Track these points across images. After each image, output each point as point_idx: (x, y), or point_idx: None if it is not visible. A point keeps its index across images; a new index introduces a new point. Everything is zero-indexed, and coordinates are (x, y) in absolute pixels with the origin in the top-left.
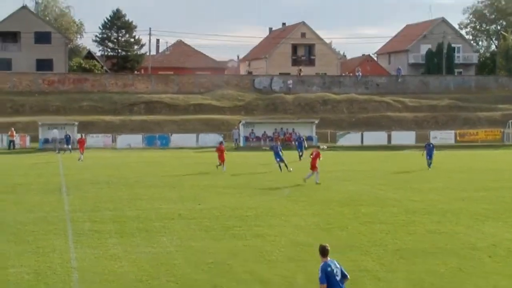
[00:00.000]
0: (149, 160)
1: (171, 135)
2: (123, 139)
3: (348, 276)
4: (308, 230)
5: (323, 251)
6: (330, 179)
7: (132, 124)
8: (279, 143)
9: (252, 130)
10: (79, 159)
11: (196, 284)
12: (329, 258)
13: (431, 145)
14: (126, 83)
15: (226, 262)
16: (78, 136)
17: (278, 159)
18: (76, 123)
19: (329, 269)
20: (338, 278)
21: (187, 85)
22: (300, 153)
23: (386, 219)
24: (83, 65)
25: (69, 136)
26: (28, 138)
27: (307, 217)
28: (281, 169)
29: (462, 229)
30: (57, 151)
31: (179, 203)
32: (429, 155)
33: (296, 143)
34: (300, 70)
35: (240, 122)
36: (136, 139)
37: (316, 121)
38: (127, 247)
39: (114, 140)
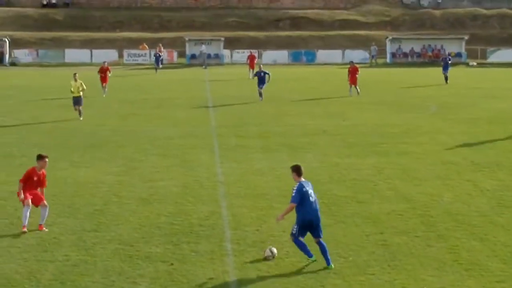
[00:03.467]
0: (295, 76)
1: (317, 51)
2: (269, 55)
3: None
4: (456, 148)
5: (298, 171)
6: (478, 97)
7: (278, 40)
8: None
9: (399, 46)
10: (251, 77)
11: (340, 200)
12: (303, 179)
13: None
14: None
15: (370, 179)
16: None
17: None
18: (223, 39)
19: (304, 189)
20: (312, 199)
21: (333, 0)
22: (446, 74)
23: None
24: None
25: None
26: (175, 54)
27: (454, 135)
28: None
29: None
30: (204, 67)
31: (324, 119)
32: None
33: (442, 62)
34: None
35: (387, 38)
36: (282, 55)
37: (466, 37)
38: (272, 162)
39: (259, 56)
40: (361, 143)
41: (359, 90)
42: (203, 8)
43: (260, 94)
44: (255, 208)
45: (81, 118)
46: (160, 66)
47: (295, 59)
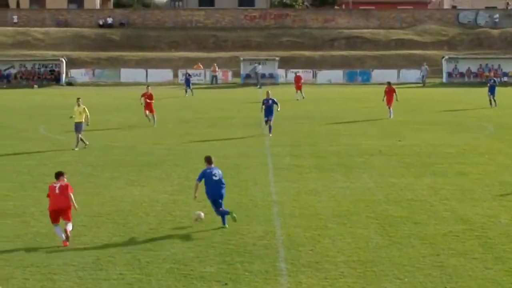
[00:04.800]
0: (349, 96)
1: (372, 70)
2: (324, 75)
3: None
4: None
5: (209, 160)
6: None
7: (333, 59)
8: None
9: (456, 66)
10: (298, 99)
11: (396, 220)
12: (213, 166)
13: None
14: (326, 18)
15: (426, 199)
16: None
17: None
18: (277, 59)
19: (208, 171)
20: (216, 178)
21: (389, 20)
22: (492, 98)
23: None
24: (284, 0)
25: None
26: (230, 73)
27: None
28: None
29: None
30: (259, 86)
31: (379, 139)
32: None
33: (488, 85)
34: (508, 3)
35: (443, 57)
36: (337, 74)
37: None
38: (326, 182)
39: (314, 76)
40: (417, 163)
41: (392, 112)
42: (258, 28)
43: (269, 128)
44: (309, 228)
45: (76, 149)
46: (191, 88)
47: (350, 79)
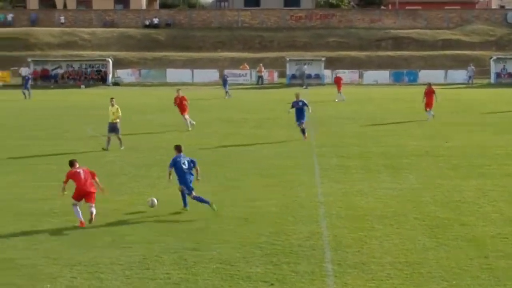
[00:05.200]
0: (395, 97)
1: (419, 71)
2: (370, 75)
3: (196, 163)
4: None
5: (178, 148)
6: None
7: (379, 60)
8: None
9: (504, 66)
10: (336, 99)
11: (443, 222)
12: (181, 154)
13: None
14: (373, 18)
15: (474, 201)
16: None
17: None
18: (324, 59)
19: (177, 159)
20: (185, 166)
21: (436, 20)
22: None
23: None
24: (330, 0)
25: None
26: (276, 74)
27: None
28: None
29: None
30: (305, 87)
31: (426, 140)
32: None
33: None
34: None
35: (491, 58)
36: (383, 75)
37: None
38: (373, 183)
39: (360, 76)
40: (464, 165)
41: (433, 113)
42: (304, 28)
43: (303, 131)
44: (356, 229)
45: (122, 148)
46: (227, 89)
47: (397, 79)
